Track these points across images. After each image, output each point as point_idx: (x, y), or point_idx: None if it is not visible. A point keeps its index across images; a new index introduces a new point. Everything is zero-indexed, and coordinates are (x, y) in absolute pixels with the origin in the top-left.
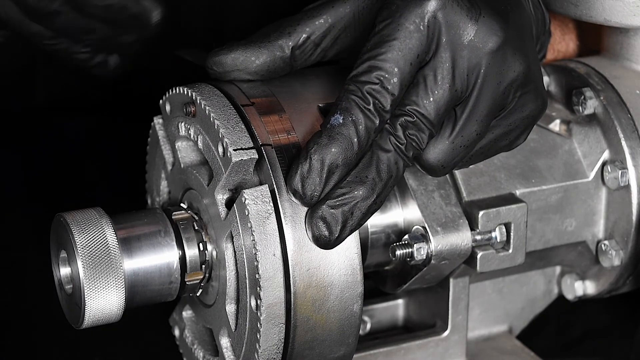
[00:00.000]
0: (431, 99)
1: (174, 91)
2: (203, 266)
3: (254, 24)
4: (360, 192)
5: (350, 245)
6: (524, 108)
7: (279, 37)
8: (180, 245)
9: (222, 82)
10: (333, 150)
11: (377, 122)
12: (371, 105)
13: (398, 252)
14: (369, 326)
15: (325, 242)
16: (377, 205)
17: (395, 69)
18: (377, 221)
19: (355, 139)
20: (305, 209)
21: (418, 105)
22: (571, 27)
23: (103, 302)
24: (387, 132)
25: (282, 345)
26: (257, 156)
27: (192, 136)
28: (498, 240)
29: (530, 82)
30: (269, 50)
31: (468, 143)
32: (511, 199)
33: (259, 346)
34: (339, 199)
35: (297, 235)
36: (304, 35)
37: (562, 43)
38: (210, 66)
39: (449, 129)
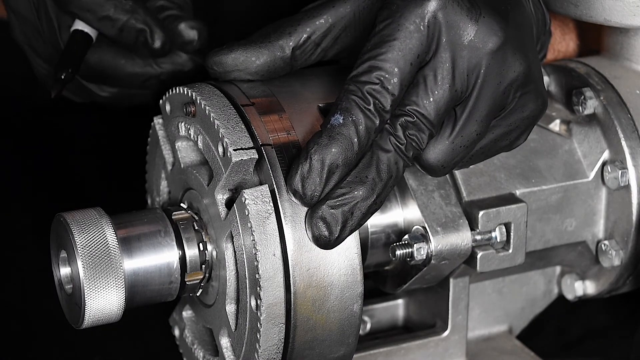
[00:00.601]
0: (431, 99)
1: (174, 91)
2: (203, 266)
3: (253, 24)
4: (360, 192)
5: (350, 245)
6: (524, 108)
7: (279, 37)
8: (180, 245)
9: (222, 82)
10: (333, 150)
11: (377, 122)
12: (371, 105)
13: (398, 252)
14: (369, 326)
15: (325, 243)
16: (377, 205)
17: (396, 69)
18: (377, 221)
19: (356, 139)
20: (306, 209)
21: (418, 105)
22: (571, 27)
23: (103, 302)
24: (387, 132)
25: (282, 345)
26: (257, 156)
27: (192, 136)
28: (498, 240)
29: (531, 82)
30: (270, 50)
31: (468, 143)
32: (511, 199)
33: (259, 346)
34: (339, 199)
35: (297, 235)
36: (304, 35)
37: (562, 43)
38: (210, 66)
39: (449, 129)
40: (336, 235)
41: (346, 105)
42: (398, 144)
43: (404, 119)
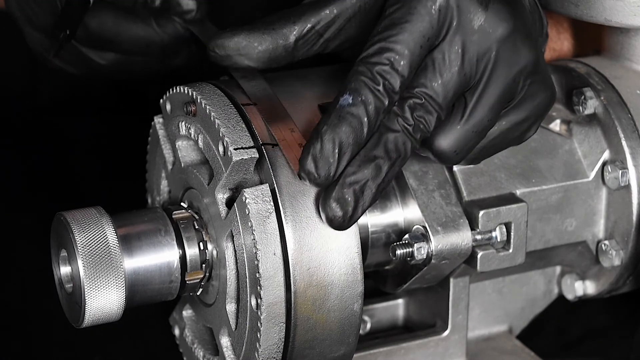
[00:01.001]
0: (440, 82)
1: (174, 90)
2: (203, 265)
3: (257, 12)
4: (370, 172)
5: (351, 244)
6: (534, 97)
7: (283, 25)
8: (181, 244)
9: (223, 81)
10: (343, 129)
11: (386, 102)
12: (381, 85)
13: (398, 252)
14: (369, 326)
15: (340, 224)
16: (386, 184)
17: (406, 51)
18: (378, 221)
19: (365, 119)
20: (306, 207)
21: (426, 87)
22: (566, 26)
23: (103, 301)
24: (395, 114)
25: (283, 344)
26: (257, 155)
27: (192, 135)
28: (498, 239)
29: (539, 71)
30: (272, 37)
31: (479, 129)
32: (511, 199)
33: (259, 345)
34: (349, 178)
35: (298, 234)
36: (308, 25)
37: (557, 42)
38: (212, 48)
39: (460, 115)
40: (350, 215)
41: (355, 85)
42: (406, 125)
43: (412, 101)
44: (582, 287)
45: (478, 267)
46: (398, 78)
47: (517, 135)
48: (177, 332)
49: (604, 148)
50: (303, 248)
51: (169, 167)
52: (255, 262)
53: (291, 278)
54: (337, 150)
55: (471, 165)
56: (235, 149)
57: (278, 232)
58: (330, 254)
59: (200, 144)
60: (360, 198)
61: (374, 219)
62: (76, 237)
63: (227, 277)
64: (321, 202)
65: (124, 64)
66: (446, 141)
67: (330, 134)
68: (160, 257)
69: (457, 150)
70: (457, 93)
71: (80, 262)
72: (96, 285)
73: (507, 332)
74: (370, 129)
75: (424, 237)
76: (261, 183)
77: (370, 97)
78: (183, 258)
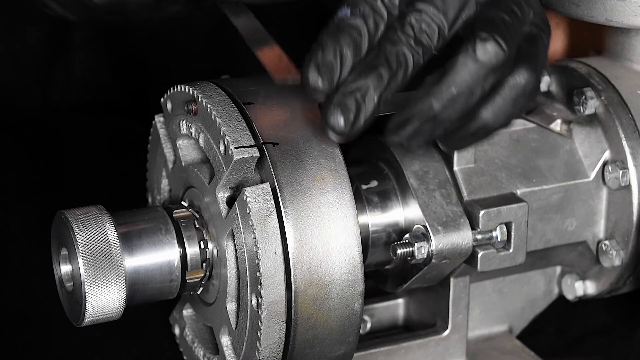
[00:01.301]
0: None
1: (175, 89)
2: (204, 264)
3: None
4: (369, 80)
5: (351, 243)
6: (541, 32)
7: None
8: (181, 243)
9: (224, 80)
10: (344, 39)
11: (385, 15)
12: (378, 0)
13: (399, 251)
14: (369, 325)
15: (341, 131)
16: (388, 94)
17: None
18: (378, 220)
19: (365, 30)
20: (307, 206)
21: (426, 1)
22: (559, 22)
23: (104, 299)
24: (395, 28)
25: (283, 343)
26: (258, 154)
27: (193, 134)
28: (499, 239)
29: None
30: None
31: (517, 37)
32: (512, 199)
33: (260, 344)
34: (350, 85)
35: (299, 233)
36: None
37: (554, 32)
38: None
39: (500, 25)
40: (351, 122)
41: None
42: (407, 37)
43: (413, 16)
44: (582, 287)
45: (478, 267)
46: None
47: (534, 81)
48: (177, 331)
49: (605, 148)
50: (304, 247)
51: (170, 166)
52: (256, 261)
53: (292, 277)
54: (338, 59)
55: (472, 165)
56: (236, 148)
57: (279, 231)
58: (330, 253)
59: (201, 142)
60: (362, 105)
61: (375, 219)
62: (77, 235)
63: (228, 276)
64: (322, 111)
65: (120, 6)
66: (491, 44)
67: (332, 43)
68: (160, 255)
69: (505, 47)
70: (458, 11)
71: (80, 261)
72: (97, 284)
73: (507, 332)
74: (370, 41)
75: (425, 236)
76: (262, 182)
77: (369, 10)
78: (184, 257)
